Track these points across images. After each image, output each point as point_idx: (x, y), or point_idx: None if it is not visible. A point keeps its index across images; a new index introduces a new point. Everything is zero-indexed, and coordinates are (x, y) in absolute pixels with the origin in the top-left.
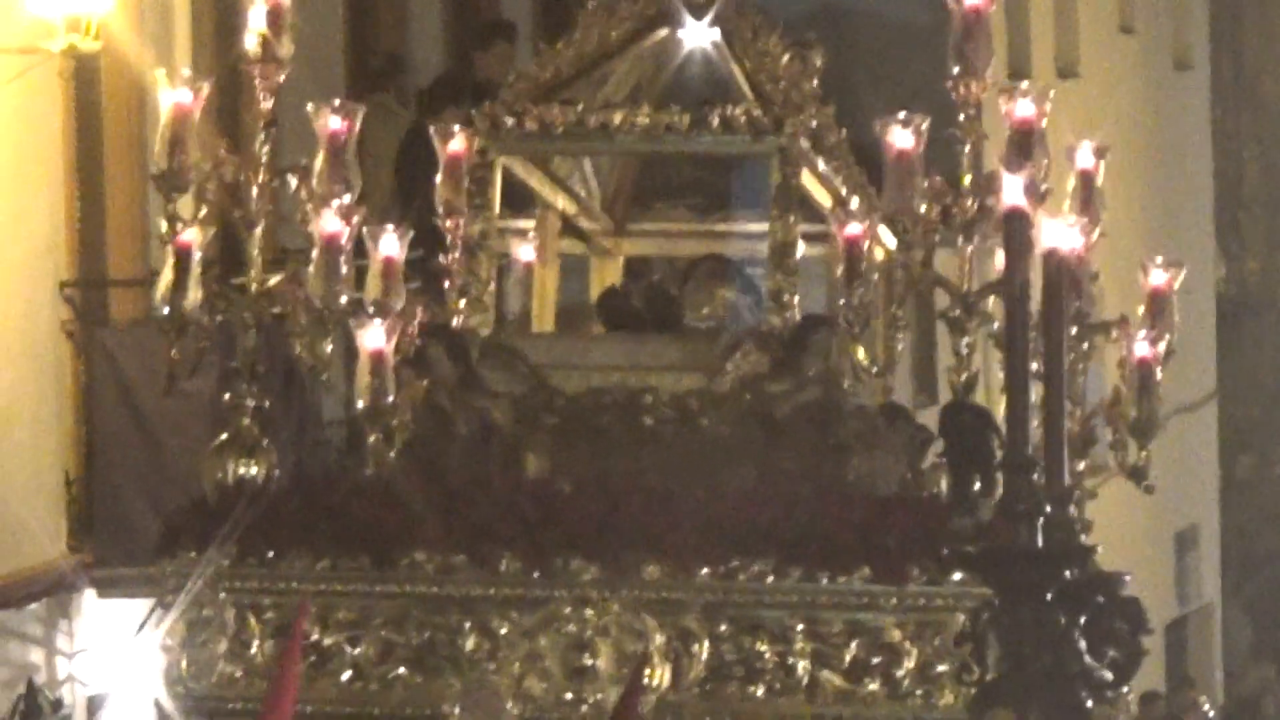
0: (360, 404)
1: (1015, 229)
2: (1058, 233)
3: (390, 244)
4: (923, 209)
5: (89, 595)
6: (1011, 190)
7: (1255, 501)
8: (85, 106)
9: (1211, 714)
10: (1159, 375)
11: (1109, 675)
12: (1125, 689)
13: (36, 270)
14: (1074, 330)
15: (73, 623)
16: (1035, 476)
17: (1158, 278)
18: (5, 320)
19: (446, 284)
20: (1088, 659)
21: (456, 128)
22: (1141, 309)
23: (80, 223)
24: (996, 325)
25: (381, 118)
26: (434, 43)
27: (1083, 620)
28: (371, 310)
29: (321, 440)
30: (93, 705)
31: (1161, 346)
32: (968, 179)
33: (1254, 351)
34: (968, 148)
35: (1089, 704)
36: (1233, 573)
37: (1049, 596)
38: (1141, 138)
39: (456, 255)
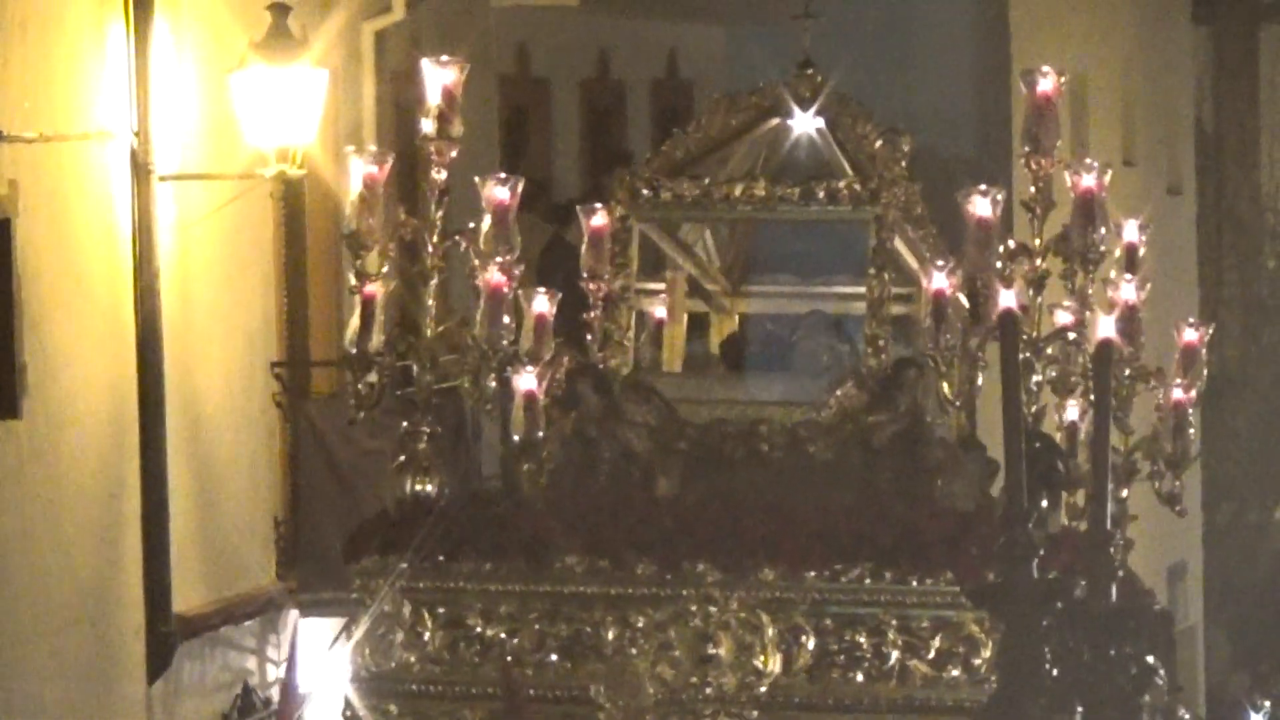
0: (515, 437)
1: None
2: (1107, 326)
3: (541, 303)
4: (999, 266)
5: (293, 614)
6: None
7: (1233, 542)
8: (291, 220)
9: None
10: (1191, 416)
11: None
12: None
13: (253, 353)
14: (1126, 372)
15: (279, 636)
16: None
17: (1189, 335)
18: (227, 393)
19: (589, 336)
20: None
21: (598, 206)
22: (1176, 359)
23: (287, 314)
24: (1054, 372)
25: (526, 230)
26: (573, 168)
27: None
28: (525, 358)
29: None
30: None
31: (1193, 392)
32: (1037, 242)
33: (1232, 419)
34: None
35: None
36: (1214, 600)
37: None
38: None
39: (597, 313)
